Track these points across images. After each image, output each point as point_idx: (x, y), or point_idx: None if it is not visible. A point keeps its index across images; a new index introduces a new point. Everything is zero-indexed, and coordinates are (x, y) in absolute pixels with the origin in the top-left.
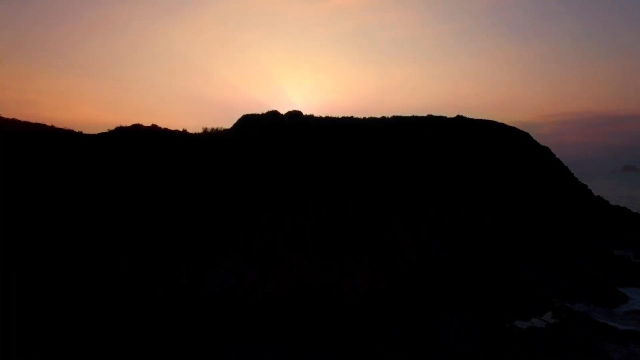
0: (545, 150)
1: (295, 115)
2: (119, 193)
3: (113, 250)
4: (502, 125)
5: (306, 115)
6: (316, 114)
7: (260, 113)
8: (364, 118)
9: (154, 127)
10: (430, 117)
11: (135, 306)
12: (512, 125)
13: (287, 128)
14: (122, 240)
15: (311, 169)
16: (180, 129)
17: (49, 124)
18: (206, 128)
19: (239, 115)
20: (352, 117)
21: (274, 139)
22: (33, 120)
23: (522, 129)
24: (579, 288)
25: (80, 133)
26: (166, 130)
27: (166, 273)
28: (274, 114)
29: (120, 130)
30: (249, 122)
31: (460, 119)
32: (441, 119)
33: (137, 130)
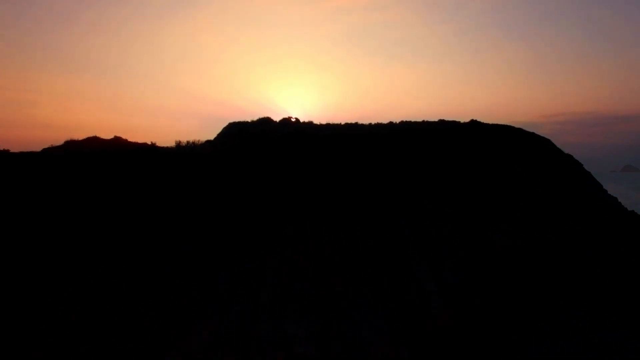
0: (569, 158)
1: (290, 123)
2: (33, 238)
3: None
4: (520, 130)
5: (304, 123)
6: (316, 121)
7: (250, 120)
8: (370, 124)
9: (116, 140)
10: (442, 122)
11: None
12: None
13: (280, 139)
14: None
15: (309, 194)
16: (149, 142)
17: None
18: (180, 141)
19: (231, 119)
20: (356, 123)
21: (263, 154)
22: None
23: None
24: None
25: (6, 152)
26: (129, 144)
27: None
28: (265, 122)
29: (67, 146)
30: (235, 132)
31: (474, 124)
32: (454, 124)
33: (89, 145)
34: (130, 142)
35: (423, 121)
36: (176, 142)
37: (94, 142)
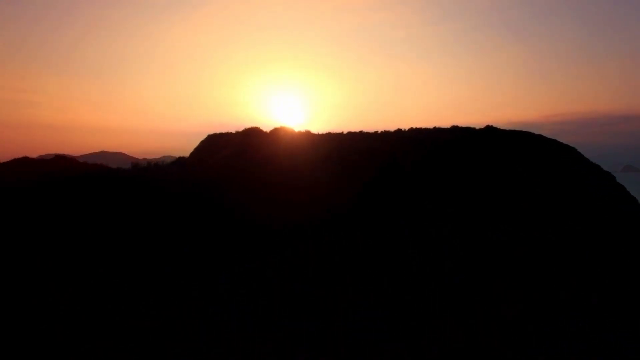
0: (596, 168)
1: (283, 134)
2: None
3: None
4: (540, 137)
5: (301, 132)
6: (314, 130)
7: (234, 132)
8: (376, 132)
9: (59, 161)
10: (455, 128)
11: None
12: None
13: (266, 153)
14: None
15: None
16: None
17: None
18: (137, 164)
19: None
20: (361, 132)
21: (243, 178)
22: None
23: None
24: None
25: None
26: (76, 165)
27: None
28: (251, 133)
29: None
30: (215, 148)
31: (490, 130)
32: (469, 132)
33: (16, 167)
34: (78, 163)
35: (434, 128)
36: (132, 165)
37: (22, 165)
